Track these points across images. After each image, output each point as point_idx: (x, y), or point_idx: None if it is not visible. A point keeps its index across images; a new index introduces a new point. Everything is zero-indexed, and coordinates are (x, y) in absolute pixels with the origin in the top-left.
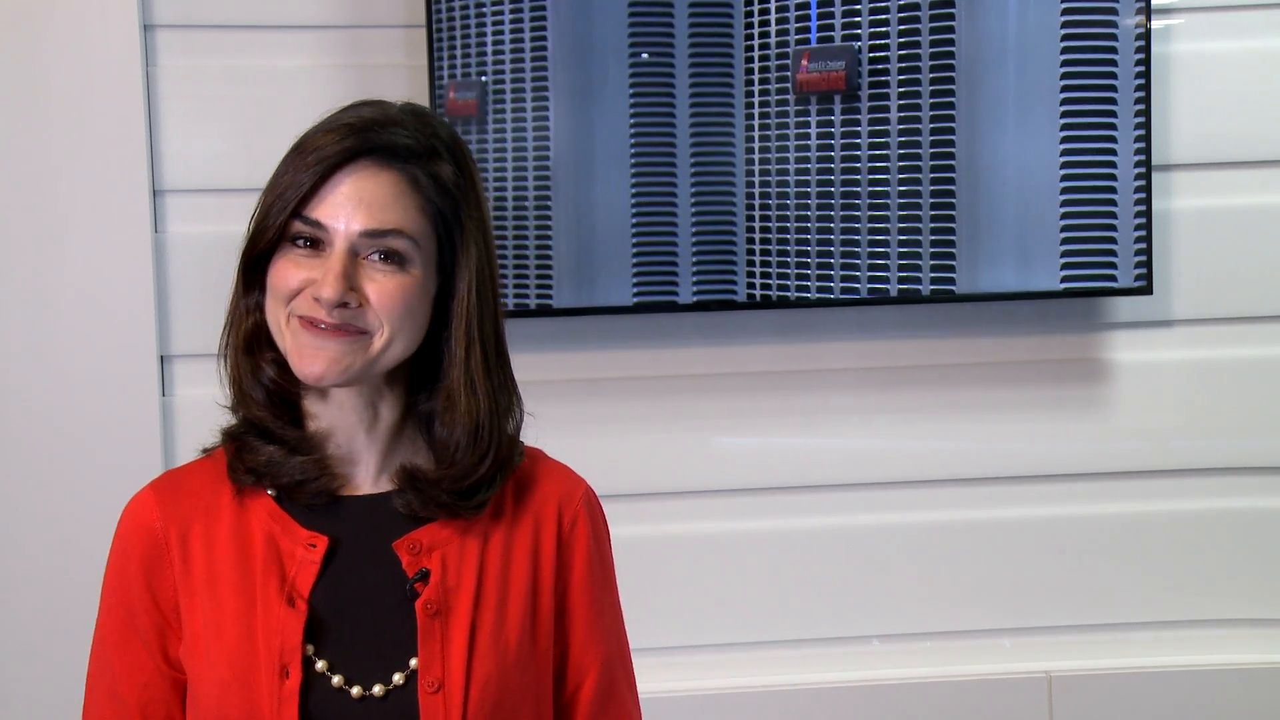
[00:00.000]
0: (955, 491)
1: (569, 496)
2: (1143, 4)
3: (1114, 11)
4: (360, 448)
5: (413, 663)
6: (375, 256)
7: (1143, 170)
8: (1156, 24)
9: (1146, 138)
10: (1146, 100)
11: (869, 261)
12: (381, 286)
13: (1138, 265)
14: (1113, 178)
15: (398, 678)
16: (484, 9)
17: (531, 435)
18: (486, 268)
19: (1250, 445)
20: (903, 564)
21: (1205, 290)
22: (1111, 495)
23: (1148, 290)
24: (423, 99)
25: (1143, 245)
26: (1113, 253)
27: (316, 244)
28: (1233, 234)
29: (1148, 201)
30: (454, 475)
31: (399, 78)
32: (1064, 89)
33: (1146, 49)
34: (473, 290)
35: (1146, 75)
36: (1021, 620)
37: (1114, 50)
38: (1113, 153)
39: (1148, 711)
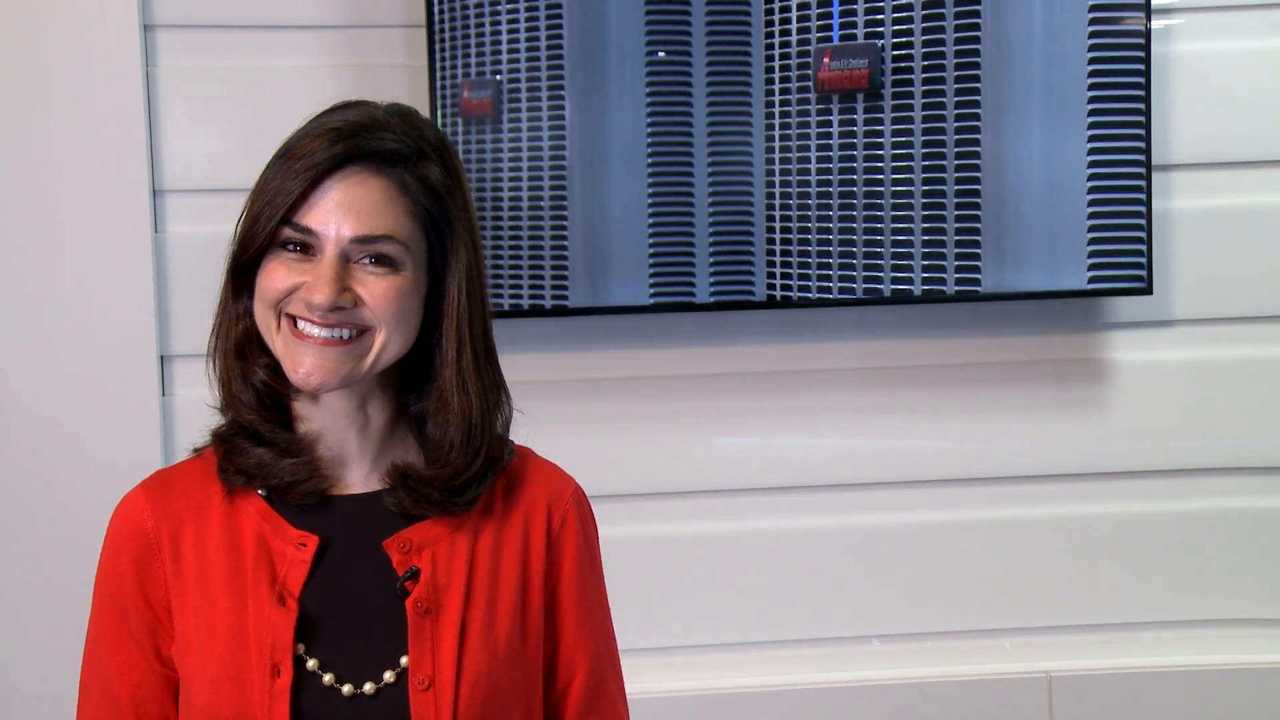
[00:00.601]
0: (955, 491)
1: (559, 495)
2: (1144, 4)
3: (1141, 8)
4: (351, 449)
5: (403, 660)
6: (366, 260)
7: (1143, 170)
8: (1156, 24)
9: (1147, 137)
10: (1147, 100)
11: (892, 262)
12: (374, 288)
13: (1138, 265)
14: (1135, 177)
15: (388, 676)
16: (498, 8)
17: (534, 435)
18: (475, 267)
19: (1250, 445)
20: (903, 564)
21: (1205, 290)
22: (1111, 495)
23: (1148, 290)
24: (423, 99)
25: (1140, 245)
26: (1133, 253)
27: (306, 249)
28: (1233, 234)
29: (1148, 202)
30: (446, 474)
31: (399, 78)
32: (1091, 87)
33: (1147, 49)
34: (463, 290)
35: (1147, 75)
36: (1021, 620)
37: (1139, 49)
38: (1136, 151)
39: (1148, 712)
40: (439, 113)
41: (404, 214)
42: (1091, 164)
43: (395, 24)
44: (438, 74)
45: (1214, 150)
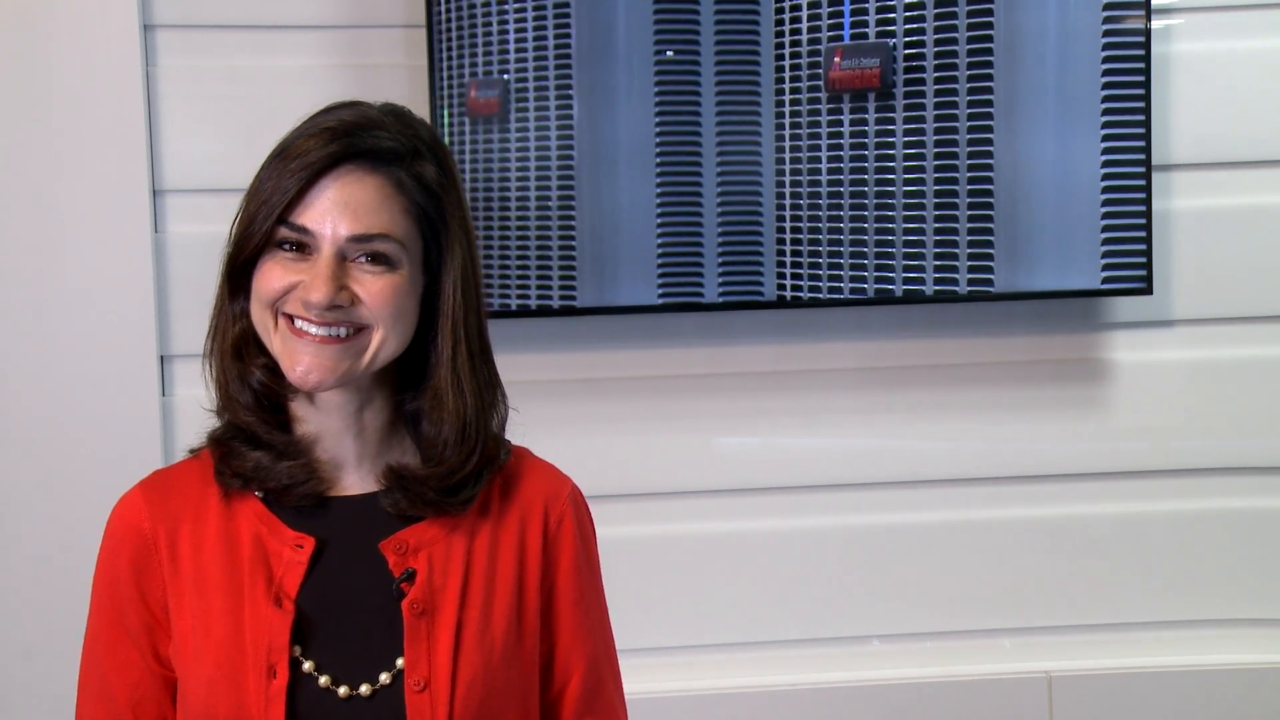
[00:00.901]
0: (955, 491)
1: (555, 495)
2: (1144, 3)
3: (1142, 7)
4: (348, 449)
5: (399, 662)
6: (363, 259)
7: (1144, 170)
8: (1157, 24)
9: (1147, 137)
10: (1147, 100)
11: (903, 263)
12: (371, 286)
13: (1139, 265)
14: (1137, 177)
15: (384, 677)
16: (504, 7)
17: (540, 434)
18: (470, 265)
19: (1250, 445)
20: (903, 564)
21: (1205, 290)
22: (1111, 495)
23: (1148, 290)
24: (423, 99)
25: (1144, 245)
26: (1134, 253)
27: (303, 249)
28: (1233, 234)
29: (1148, 201)
30: (441, 473)
31: (400, 78)
32: (1105, 86)
33: (1147, 49)
34: (458, 289)
35: (1147, 75)
36: (1021, 620)
37: (1140, 48)
38: (1138, 151)
39: (1148, 712)
40: (442, 113)
41: (400, 212)
42: (1100, 164)
43: (396, 24)
44: (440, 74)
45: (1214, 150)
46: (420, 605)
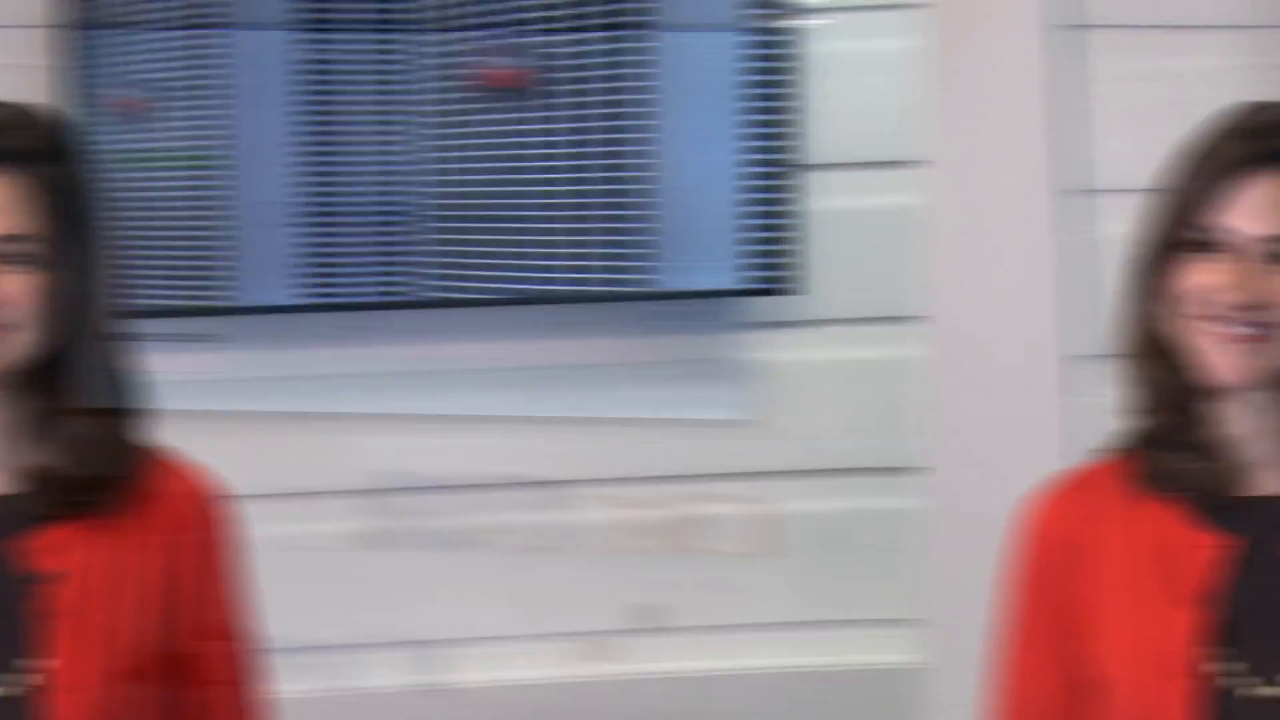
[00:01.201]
0: (599, 491)
1: (196, 495)
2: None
3: (787, 8)
4: None
5: (37, 664)
6: (5, 259)
7: (787, 170)
8: (802, 23)
9: (793, 137)
10: (792, 100)
11: (546, 262)
12: (11, 285)
13: (782, 266)
14: (782, 176)
15: (23, 678)
16: (143, 4)
17: (183, 433)
18: (110, 265)
19: (894, 446)
20: (543, 564)
21: (851, 290)
22: (760, 495)
23: (794, 290)
24: (60, 100)
25: (788, 245)
26: (779, 253)
27: None
28: (878, 234)
29: (794, 201)
30: (82, 474)
31: (38, 78)
32: (750, 85)
33: (793, 48)
34: (98, 288)
35: (792, 75)
36: (656, 620)
37: (786, 47)
38: (784, 150)
39: (790, 712)
40: (80, 112)
41: (37, 213)
42: (743, 163)
43: (32, 24)
44: (78, 74)
45: (858, 150)
46: (57, 607)
